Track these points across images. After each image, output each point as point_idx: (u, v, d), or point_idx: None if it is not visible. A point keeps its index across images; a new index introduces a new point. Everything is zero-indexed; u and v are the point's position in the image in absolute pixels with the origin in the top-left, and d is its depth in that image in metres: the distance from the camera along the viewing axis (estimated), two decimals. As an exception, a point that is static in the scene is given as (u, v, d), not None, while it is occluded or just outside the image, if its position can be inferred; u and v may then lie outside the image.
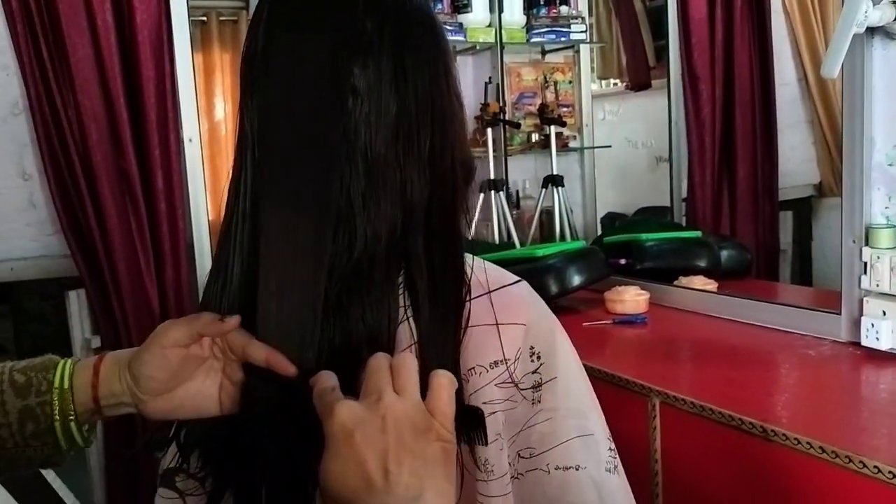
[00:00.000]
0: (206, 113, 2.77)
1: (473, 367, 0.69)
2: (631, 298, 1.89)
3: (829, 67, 1.37)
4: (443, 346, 0.67)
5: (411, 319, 0.67)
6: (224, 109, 3.08)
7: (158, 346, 0.65)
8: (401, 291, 0.68)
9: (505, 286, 0.73)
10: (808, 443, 1.10)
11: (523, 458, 0.71)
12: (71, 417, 0.66)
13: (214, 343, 0.67)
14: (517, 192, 2.72)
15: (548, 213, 2.62)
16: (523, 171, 2.75)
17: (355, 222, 0.64)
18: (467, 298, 0.69)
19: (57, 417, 0.65)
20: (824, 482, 1.09)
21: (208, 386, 0.67)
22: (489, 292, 0.71)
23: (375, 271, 0.65)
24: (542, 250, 2.03)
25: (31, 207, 2.18)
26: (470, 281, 0.70)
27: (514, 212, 2.64)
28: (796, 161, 2.94)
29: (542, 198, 2.58)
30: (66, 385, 0.66)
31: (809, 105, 2.92)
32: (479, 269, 0.72)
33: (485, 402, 0.68)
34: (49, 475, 1.65)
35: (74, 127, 2.05)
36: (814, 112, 2.91)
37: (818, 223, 2.97)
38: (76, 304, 2.15)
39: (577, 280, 1.91)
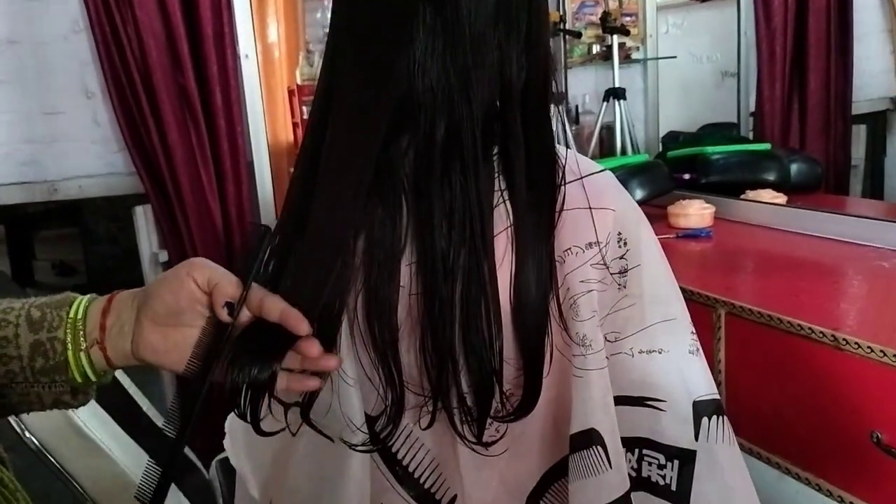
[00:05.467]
0: (259, 34, 2.75)
1: (570, 248, 0.70)
2: (695, 212, 1.84)
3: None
4: (538, 227, 0.68)
5: (507, 202, 0.68)
6: (277, 31, 3.05)
7: (184, 269, 0.63)
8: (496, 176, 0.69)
9: (594, 173, 0.74)
10: (881, 351, 1.07)
11: (609, 341, 0.72)
12: (81, 349, 0.64)
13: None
14: (576, 106, 2.65)
15: (608, 129, 2.55)
16: (583, 85, 2.67)
17: (453, 100, 0.65)
18: (562, 182, 0.70)
19: (69, 348, 0.64)
20: (899, 390, 1.06)
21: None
22: (581, 178, 0.72)
23: (473, 149, 0.66)
24: (604, 164, 1.99)
25: (95, 126, 2.23)
26: (564, 166, 0.70)
27: (574, 127, 2.58)
28: (872, 72, 2.79)
29: (602, 112, 2.51)
30: (79, 315, 0.65)
31: (888, 12, 2.75)
32: (571, 157, 0.73)
33: (582, 281, 0.70)
34: (125, 380, 1.72)
35: (134, 44, 2.07)
36: (893, 20, 2.75)
37: (893, 137, 2.84)
38: (143, 219, 2.21)
39: (639, 194, 1.87)
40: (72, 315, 0.65)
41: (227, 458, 1.79)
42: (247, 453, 0.84)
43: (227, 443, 0.86)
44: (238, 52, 2.24)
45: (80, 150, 2.21)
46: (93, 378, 0.66)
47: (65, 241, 3.17)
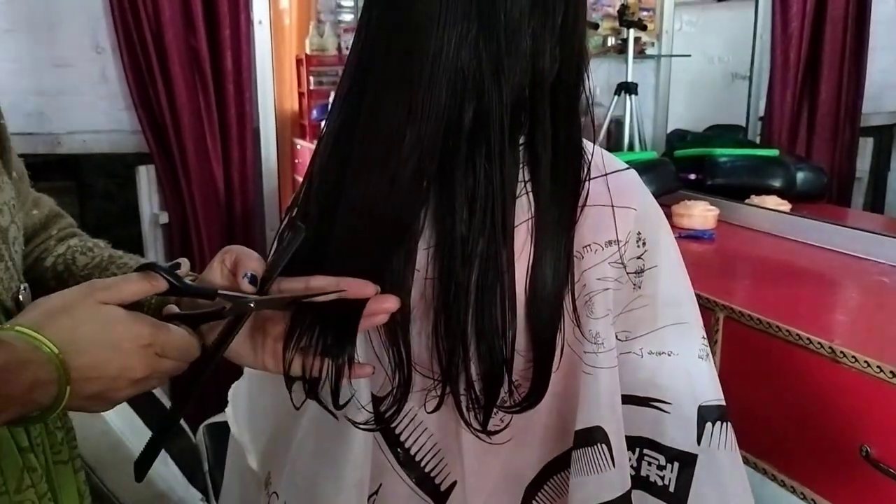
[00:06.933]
0: (272, 0, 2.73)
1: (590, 245, 0.70)
2: (699, 213, 1.84)
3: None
4: (559, 221, 0.68)
5: (530, 193, 0.68)
6: (289, -2, 3.02)
7: (218, 257, 0.66)
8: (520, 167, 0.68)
9: (618, 170, 0.74)
10: (878, 366, 1.08)
11: (619, 340, 0.72)
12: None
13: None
14: (590, 99, 2.63)
15: (617, 123, 2.54)
16: (595, 77, 2.64)
17: (483, 85, 0.64)
18: (587, 178, 0.69)
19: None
20: (894, 407, 1.07)
21: (253, 335, 0.67)
22: (606, 174, 0.72)
23: (500, 136, 0.65)
24: (611, 158, 1.99)
25: (103, 81, 2.20)
26: (590, 161, 0.70)
27: (583, 119, 2.57)
28: (884, 85, 2.78)
29: (613, 105, 2.50)
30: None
31: (905, 26, 2.75)
32: (597, 152, 0.72)
33: (599, 279, 0.70)
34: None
35: (148, 1, 2.05)
36: (909, 33, 2.74)
37: (899, 153, 2.84)
38: (146, 179, 2.20)
39: (644, 191, 1.86)
40: None
41: (214, 424, 1.81)
42: (248, 424, 0.84)
43: (228, 411, 0.86)
44: (252, 17, 2.22)
45: (87, 104, 2.19)
46: None
47: (62, 194, 3.13)
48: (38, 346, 0.54)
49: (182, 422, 1.83)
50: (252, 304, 0.63)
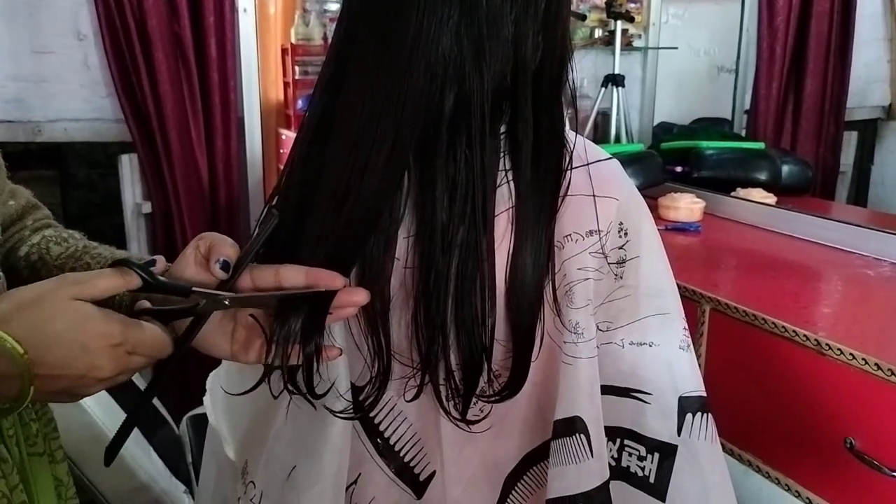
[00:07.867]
0: (256, -13, 2.70)
1: (570, 234, 0.69)
2: (685, 206, 1.85)
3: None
4: (540, 211, 0.67)
5: (511, 182, 0.67)
6: (275, -16, 2.99)
7: (192, 243, 0.65)
8: (501, 156, 0.67)
9: (601, 160, 0.73)
10: (863, 359, 1.09)
11: (601, 330, 0.72)
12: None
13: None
14: (574, 89, 2.63)
15: (604, 115, 2.54)
16: (582, 69, 2.66)
17: (464, 71, 0.63)
18: (568, 167, 0.68)
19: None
20: (879, 399, 1.07)
21: (224, 325, 0.65)
22: (588, 164, 0.71)
23: (481, 122, 0.64)
24: (598, 150, 1.99)
25: (85, 69, 2.17)
26: (572, 151, 0.69)
27: (569, 111, 2.57)
28: (868, 80, 2.80)
29: (600, 98, 2.50)
30: None
31: (890, 21, 2.76)
32: (579, 142, 0.72)
33: (579, 269, 0.69)
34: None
35: (130, -13, 2.02)
36: (894, 29, 2.76)
37: (882, 147, 2.86)
38: (128, 168, 2.17)
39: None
40: None
41: (197, 416, 1.80)
42: (225, 413, 0.83)
43: (206, 400, 0.85)
44: (236, 5, 2.20)
45: (68, 92, 2.16)
46: None
47: (43, 183, 3.10)
48: (2, 342, 0.53)
49: (165, 413, 1.82)
50: (227, 302, 0.62)
